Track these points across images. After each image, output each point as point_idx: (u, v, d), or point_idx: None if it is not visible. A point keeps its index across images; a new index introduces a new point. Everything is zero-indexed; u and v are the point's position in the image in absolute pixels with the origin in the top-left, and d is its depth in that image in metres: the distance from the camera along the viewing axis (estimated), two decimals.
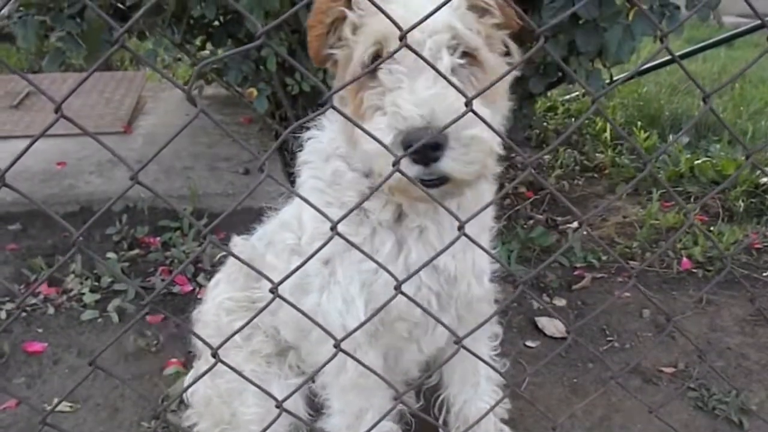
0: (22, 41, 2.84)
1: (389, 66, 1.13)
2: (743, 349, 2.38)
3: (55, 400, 2.08)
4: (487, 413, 1.49)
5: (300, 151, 1.51)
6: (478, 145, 1.09)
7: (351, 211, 1.08)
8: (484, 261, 1.54)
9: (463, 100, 0.97)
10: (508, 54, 1.28)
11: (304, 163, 1.49)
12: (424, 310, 1.22)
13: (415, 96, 1.07)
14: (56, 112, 0.81)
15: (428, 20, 0.98)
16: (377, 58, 1.16)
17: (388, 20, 0.92)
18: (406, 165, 1.05)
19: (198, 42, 3.50)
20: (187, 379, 1.98)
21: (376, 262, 1.14)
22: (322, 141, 1.46)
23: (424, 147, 1.03)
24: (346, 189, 1.40)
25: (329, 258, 1.44)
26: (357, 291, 1.41)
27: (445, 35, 1.14)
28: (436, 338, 1.57)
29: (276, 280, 1.00)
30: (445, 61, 1.13)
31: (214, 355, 1.04)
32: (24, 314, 2.50)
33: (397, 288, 1.07)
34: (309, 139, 1.49)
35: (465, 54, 1.18)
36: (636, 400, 2.02)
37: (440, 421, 1.84)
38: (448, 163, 1.08)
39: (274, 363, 1.74)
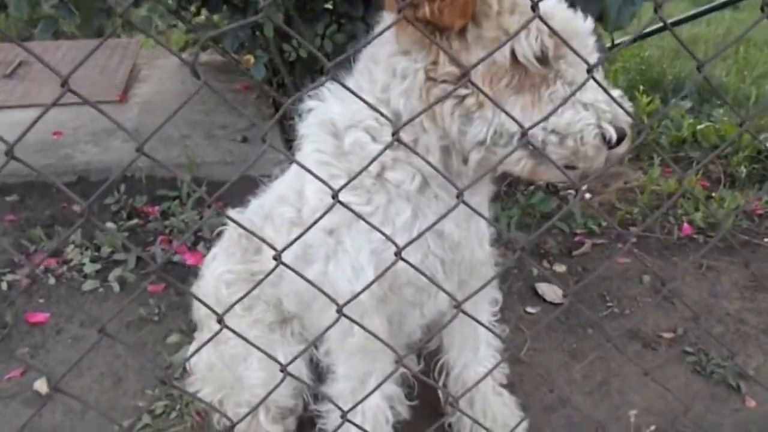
0: (14, 10, 2.77)
1: (567, 59, 1.22)
2: (742, 314, 2.39)
3: (62, 369, 2.10)
4: (484, 376, 1.52)
5: (299, 121, 1.48)
6: None
7: (352, 179, 1.08)
8: (484, 226, 1.57)
9: None
10: None
11: (305, 136, 1.46)
12: (427, 278, 1.23)
13: (604, 96, 1.20)
14: (63, 86, 0.80)
15: (583, 23, 1.26)
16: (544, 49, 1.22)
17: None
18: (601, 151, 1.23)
19: (193, 8, 3.44)
20: (191, 348, 2.00)
21: (378, 229, 1.13)
22: (327, 113, 1.43)
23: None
24: (365, 159, 1.35)
25: (334, 228, 1.44)
26: (367, 259, 1.42)
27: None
28: (439, 303, 1.60)
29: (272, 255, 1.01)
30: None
31: (220, 321, 1.05)
32: (26, 285, 2.51)
33: (398, 254, 1.09)
34: (310, 110, 1.46)
35: None
36: (635, 366, 2.04)
37: (440, 384, 1.86)
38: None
39: (277, 330, 1.77)
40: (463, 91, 1.22)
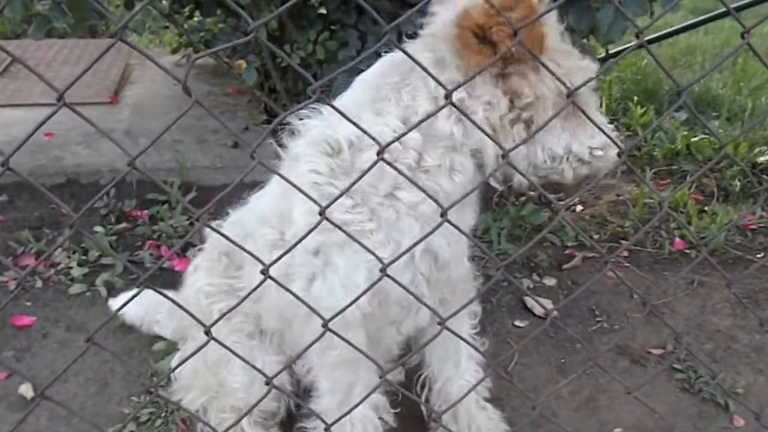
0: (8, 10, 2.76)
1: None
2: (733, 331, 2.38)
3: (47, 374, 2.09)
4: (468, 393, 1.52)
5: (288, 137, 1.47)
6: None
7: (338, 197, 1.10)
8: (465, 241, 1.59)
9: None
10: None
11: (302, 155, 1.43)
12: (415, 296, 1.24)
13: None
14: (59, 101, 0.81)
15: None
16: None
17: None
18: None
19: (186, 11, 3.43)
20: (176, 358, 1.99)
21: (371, 251, 1.14)
22: (327, 131, 1.40)
23: None
24: (380, 177, 1.39)
25: (318, 248, 1.44)
26: (363, 279, 1.41)
27: None
28: (419, 319, 1.61)
29: (254, 272, 1.00)
30: None
31: (207, 332, 1.07)
32: (12, 288, 2.49)
33: (383, 270, 1.10)
34: (308, 128, 1.44)
35: None
36: (622, 383, 2.03)
37: (422, 399, 1.86)
38: None
39: (256, 337, 1.77)
40: (525, 115, 1.38)
